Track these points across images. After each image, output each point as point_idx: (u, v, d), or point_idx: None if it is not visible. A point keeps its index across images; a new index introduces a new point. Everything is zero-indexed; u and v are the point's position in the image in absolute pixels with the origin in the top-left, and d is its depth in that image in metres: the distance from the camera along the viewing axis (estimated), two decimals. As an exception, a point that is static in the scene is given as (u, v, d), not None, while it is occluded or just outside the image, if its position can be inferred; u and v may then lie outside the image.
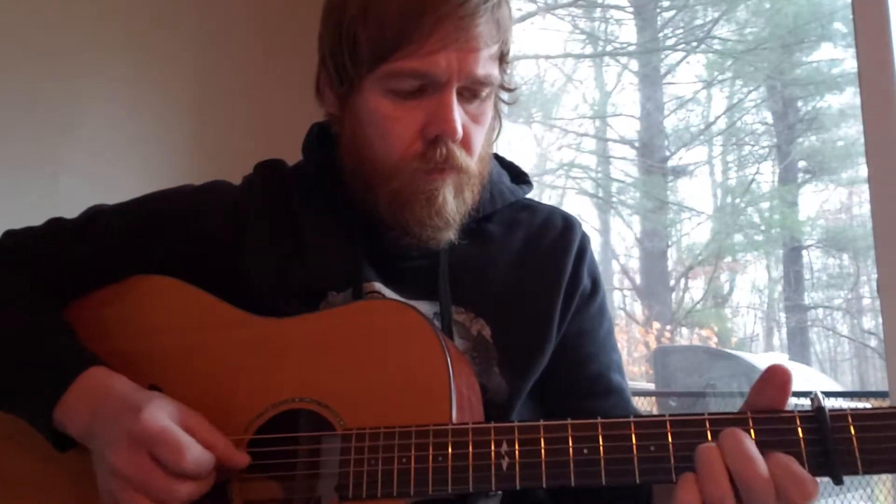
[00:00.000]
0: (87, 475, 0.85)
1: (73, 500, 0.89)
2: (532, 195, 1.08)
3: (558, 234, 1.02)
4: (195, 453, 0.77)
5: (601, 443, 0.73)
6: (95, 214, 1.04)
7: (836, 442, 0.68)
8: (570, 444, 0.73)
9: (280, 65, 2.17)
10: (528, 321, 0.97)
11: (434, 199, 0.90)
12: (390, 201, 0.93)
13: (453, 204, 0.91)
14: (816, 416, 0.69)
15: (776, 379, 0.71)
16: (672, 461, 0.70)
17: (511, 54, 0.96)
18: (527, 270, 0.99)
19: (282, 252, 0.97)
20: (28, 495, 0.91)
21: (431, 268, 0.96)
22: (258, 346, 0.89)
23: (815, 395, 0.70)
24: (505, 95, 0.98)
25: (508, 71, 0.96)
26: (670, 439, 0.71)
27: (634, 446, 0.72)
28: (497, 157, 1.07)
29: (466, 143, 0.91)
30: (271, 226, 0.99)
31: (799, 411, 0.70)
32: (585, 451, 0.73)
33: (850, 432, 0.68)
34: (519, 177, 1.08)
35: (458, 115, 0.89)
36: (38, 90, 1.67)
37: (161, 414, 0.79)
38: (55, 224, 1.03)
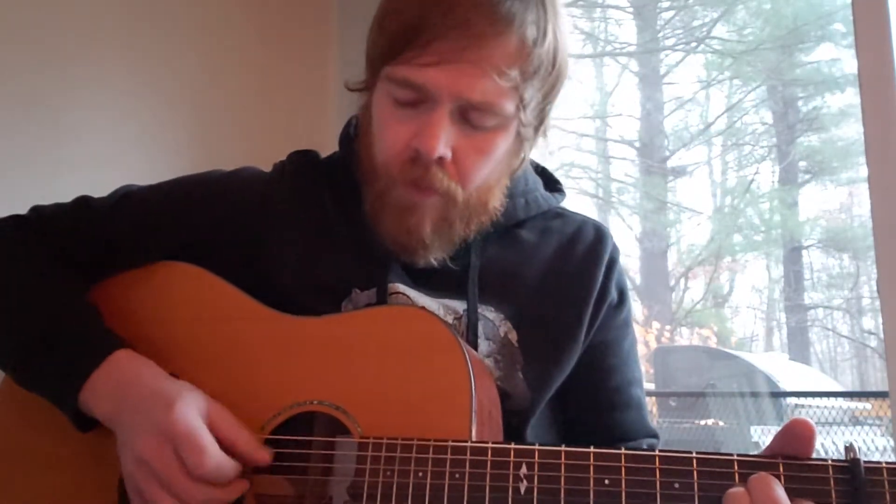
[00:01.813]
0: (105, 456, 0.85)
1: (90, 480, 0.89)
2: None
3: (590, 244, 1.01)
4: (216, 459, 0.78)
5: (623, 475, 0.71)
6: (125, 195, 1.03)
7: (870, 495, 0.65)
8: (592, 473, 0.71)
9: (280, 64, 2.17)
10: (554, 328, 0.96)
11: (408, 215, 0.89)
12: (373, 201, 0.92)
13: (429, 228, 0.89)
14: (851, 468, 0.66)
15: (802, 434, 0.69)
16: (696, 501, 0.68)
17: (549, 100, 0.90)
18: (557, 278, 0.98)
19: (308, 244, 0.97)
20: (45, 474, 0.92)
21: (461, 269, 0.95)
22: (280, 345, 0.88)
23: (851, 445, 0.68)
24: (531, 133, 0.92)
25: (532, 108, 0.89)
26: (696, 478, 0.69)
27: (658, 482, 0.70)
28: (532, 164, 1.05)
29: (460, 170, 0.88)
30: (299, 216, 0.98)
31: (832, 460, 0.67)
32: (607, 482, 0.71)
33: (885, 487, 0.65)
34: (553, 184, 1.07)
35: (444, 136, 0.85)
36: (36, 89, 1.67)
37: (192, 412, 0.79)
38: (84, 202, 1.03)
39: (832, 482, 0.67)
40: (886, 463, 0.66)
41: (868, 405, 3.87)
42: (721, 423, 3.93)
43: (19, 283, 0.95)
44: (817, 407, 3.79)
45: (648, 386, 5.02)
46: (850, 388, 5.40)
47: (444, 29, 0.82)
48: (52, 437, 0.91)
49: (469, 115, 0.86)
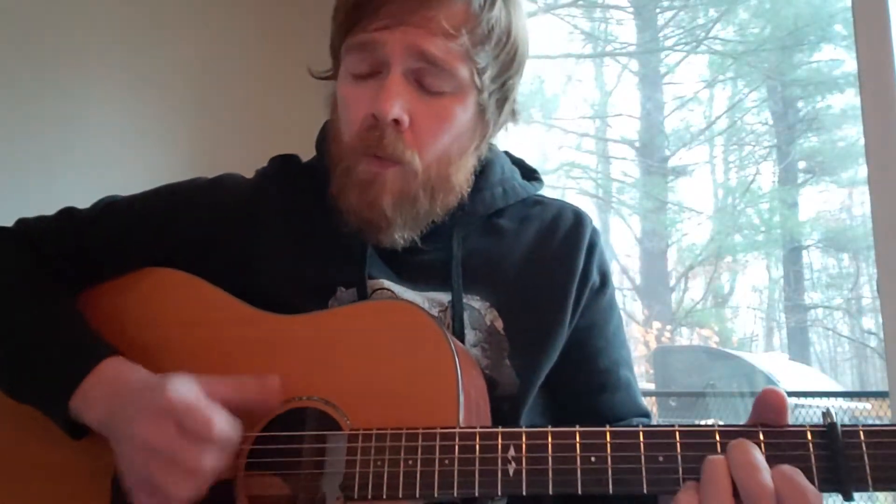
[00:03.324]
0: (98, 464, 0.86)
1: (82, 489, 0.89)
2: None
3: (569, 228, 1.03)
4: (226, 420, 0.78)
5: (609, 451, 0.72)
6: (109, 205, 1.04)
7: (848, 458, 0.66)
8: (578, 451, 0.73)
9: (280, 64, 2.17)
10: (539, 314, 0.97)
11: (368, 188, 0.90)
12: (338, 183, 0.93)
13: (390, 201, 0.89)
14: (828, 432, 0.68)
15: (773, 403, 0.70)
16: (680, 472, 0.70)
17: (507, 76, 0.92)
18: (539, 264, 0.99)
19: (292, 246, 0.97)
20: (37, 483, 0.91)
21: (444, 260, 0.96)
22: (267, 344, 0.89)
23: (828, 410, 0.69)
24: (494, 107, 0.94)
25: (490, 77, 0.91)
26: (679, 450, 0.70)
27: (643, 456, 0.71)
28: (507, 155, 1.07)
29: (417, 137, 0.89)
30: (283, 220, 0.99)
31: (810, 425, 0.69)
32: (593, 459, 0.72)
33: (862, 448, 0.67)
34: (530, 173, 1.08)
35: (399, 97, 0.87)
36: (37, 90, 1.67)
37: (185, 386, 0.79)
38: (68, 213, 1.04)
39: (811, 447, 0.68)
40: (863, 426, 0.67)
41: (868, 405, 3.87)
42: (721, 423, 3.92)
43: (6, 294, 0.95)
44: (817, 407, 3.79)
45: (648, 386, 5.02)
46: (850, 388, 5.40)
47: None
48: (43, 446, 0.91)
49: (424, 79, 0.88)
